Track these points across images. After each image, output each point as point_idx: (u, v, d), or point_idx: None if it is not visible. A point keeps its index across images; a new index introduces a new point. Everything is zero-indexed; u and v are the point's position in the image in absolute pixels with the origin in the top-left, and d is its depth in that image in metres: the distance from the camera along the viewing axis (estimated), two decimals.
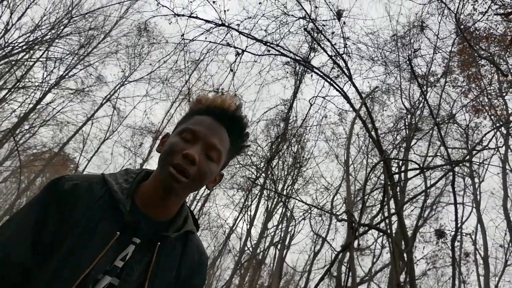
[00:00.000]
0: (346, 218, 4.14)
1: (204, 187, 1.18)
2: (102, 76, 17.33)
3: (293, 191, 12.77)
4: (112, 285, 1.00)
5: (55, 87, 15.83)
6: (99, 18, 16.24)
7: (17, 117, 15.39)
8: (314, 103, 5.98)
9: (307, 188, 14.88)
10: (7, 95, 16.29)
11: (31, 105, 15.06)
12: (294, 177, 11.89)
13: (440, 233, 12.80)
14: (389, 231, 3.67)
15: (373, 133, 5.56)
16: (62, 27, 15.44)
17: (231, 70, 7.67)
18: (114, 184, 1.10)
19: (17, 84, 15.15)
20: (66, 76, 15.90)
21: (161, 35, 15.94)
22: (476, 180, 12.30)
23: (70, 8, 15.86)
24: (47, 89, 15.37)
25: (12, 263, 0.96)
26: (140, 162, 16.10)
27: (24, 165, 16.07)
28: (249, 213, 13.81)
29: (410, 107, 10.18)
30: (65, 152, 18.89)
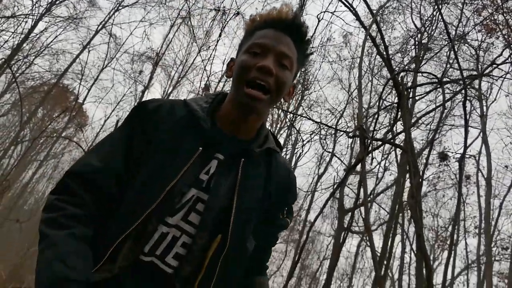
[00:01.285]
0: (357, 134, 4.00)
1: (284, 98, 1.19)
2: (94, 0, 16.52)
3: (298, 113, 12.66)
4: (200, 198, 1.07)
5: (46, 15, 15.15)
6: None
7: (10, 48, 14.88)
8: (322, 18, 5.58)
9: (312, 112, 14.78)
10: None
11: (23, 35, 14.49)
12: (299, 100, 11.72)
13: (443, 156, 12.87)
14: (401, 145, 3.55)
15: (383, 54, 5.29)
16: None
17: None
18: (194, 104, 1.15)
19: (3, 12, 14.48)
20: (57, 2, 15.15)
21: None
22: (484, 102, 12.12)
23: None
24: (38, 17, 14.72)
25: (110, 173, 1.06)
26: (141, 89, 15.85)
27: (24, 97, 15.84)
28: None
29: (421, 26, 9.75)
30: (63, 83, 18.58)
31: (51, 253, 0.93)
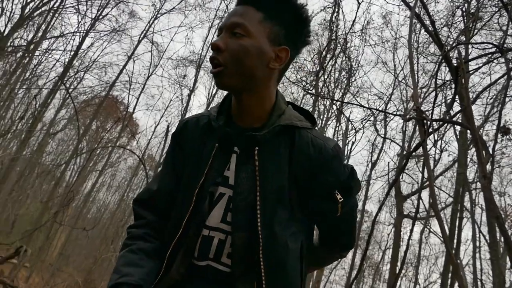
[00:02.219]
0: (414, 116, 3.82)
1: (271, 68, 1.10)
2: (134, 11, 17.02)
3: (344, 101, 12.39)
4: (230, 197, 1.10)
5: (92, 31, 15.79)
6: None
7: (62, 66, 15.64)
8: (362, 1, 5.41)
9: (359, 99, 14.44)
10: (50, 46, 16.50)
11: (72, 53, 15.17)
12: (345, 88, 11.49)
13: (505, 130, 12.17)
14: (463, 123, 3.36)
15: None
16: None
17: None
18: (212, 109, 1.20)
19: (48, 30, 15.18)
20: (100, 17, 15.73)
21: None
22: None
23: None
24: (84, 33, 15.37)
25: (162, 193, 1.19)
26: (187, 93, 16.14)
27: (78, 111, 16.59)
28: None
29: None
30: (113, 95, 19.29)
31: (113, 269, 1.07)
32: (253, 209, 1.06)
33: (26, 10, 14.35)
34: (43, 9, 15.07)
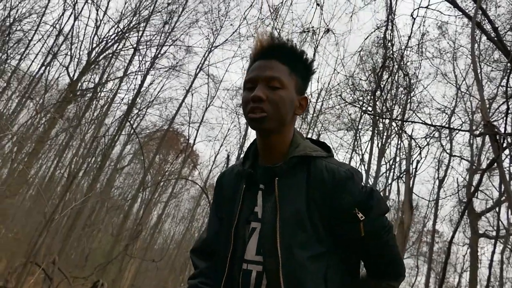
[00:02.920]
0: (485, 131, 3.63)
1: (296, 115, 1.29)
2: (190, 47, 17.77)
3: (404, 119, 11.99)
4: (256, 228, 1.23)
5: (152, 69, 16.63)
6: None
7: (126, 104, 16.54)
8: (417, 16, 5.31)
9: (420, 114, 13.92)
10: (114, 86, 17.58)
11: (135, 91, 16.03)
12: (404, 104, 11.13)
13: None
14: None
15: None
16: (143, 10, 15.99)
17: (318, 4, 7.16)
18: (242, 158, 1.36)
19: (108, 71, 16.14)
20: (159, 56, 16.56)
21: None
22: None
23: None
24: (145, 72, 16.22)
25: (210, 240, 1.36)
26: (245, 122, 16.41)
27: (143, 146, 17.37)
28: (360, 151, 13.42)
29: None
30: (174, 128, 20.03)
31: None
32: (275, 234, 1.17)
33: (92, 55, 15.47)
34: (106, 52, 16.18)
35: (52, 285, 6.16)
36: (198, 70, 16.89)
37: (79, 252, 17.13)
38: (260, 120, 1.20)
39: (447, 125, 12.41)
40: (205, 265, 1.35)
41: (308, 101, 1.33)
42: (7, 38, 14.74)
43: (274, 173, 1.23)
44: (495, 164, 3.64)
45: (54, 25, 14.94)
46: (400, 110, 12.55)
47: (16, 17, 15.27)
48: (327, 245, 1.19)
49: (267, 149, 1.28)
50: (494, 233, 11.09)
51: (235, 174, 1.35)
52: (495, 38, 4.87)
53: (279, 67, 1.24)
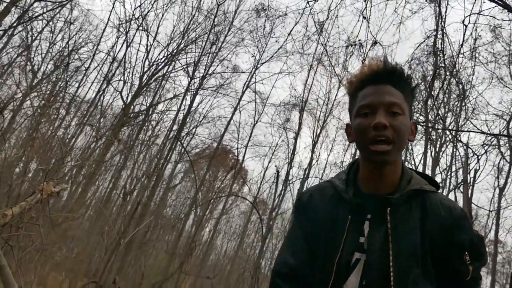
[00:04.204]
0: None
1: (408, 141, 1.24)
2: (237, 66, 18.13)
3: (458, 126, 11.54)
4: (360, 260, 1.16)
5: (200, 89, 17.09)
6: (219, 13, 16.90)
7: (177, 124, 17.05)
8: (469, 22, 5.15)
9: (476, 121, 13.35)
10: (165, 108, 18.20)
11: (185, 111, 16.50)
12: (458, 112, 10.74)
13: None
14: None
15: None
16: (190, 33, 16.53)
17: (364, 17, 7.11)
18: (336, 180, 1.30)
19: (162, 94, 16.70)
20: (207, 76, 17.00)
21: (279, 8, 15.92)
22: None
23: (194, 12, 16.87)
24: (194, 92, 16.69)
25: (303, 267, 1.26)
26: (293, 136, 16.43)
27: (193, 164, 17.76)
28: (413, 161, 13.00)
29: None
30: (223, 145, 20.35)
31: None
32: (386, 267, 1.11)
33: (143, 79, 16.14)
34: (157, 75, 16.83)
35: None
36: (245, 88, 17.20)
37: (136, 270, 17.62)
38: (385, 153, 1.14)
39: (505, 131, 11.81)
40: None
41: (417, 125, 1.30)
42: (66, 67, 15.70)
43: (386, 203, 1.18)
44: None
45: (109, 53, 15.79)
46: (453, 117, 12.11)
47: (74, 47, 16.29)
48: (434, 285, 1.15)
49: (378, 178, 1.22)
50: None
51: (329, 198, 1.28)
52: None
53: (395, 92, 1.20)
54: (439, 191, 1.26)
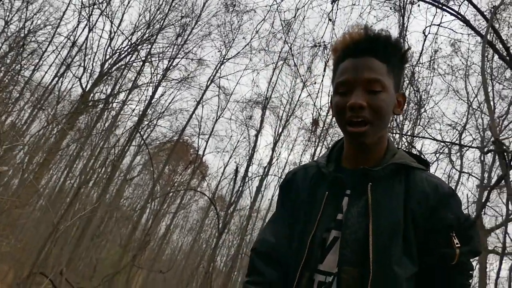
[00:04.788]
0: (493, 149, 3.62)
1: (394, 115, 1.16)
2: (202, 59, 17.95)
3: (414, 134, 11.93)
4: (338, 238, 1.08)
5: (163, 80, 16.82)
6: (188, 4, 16.69)
7: (137, 115, 16.71)
8: (429, 33, 5.33)
9: (430, 130, 13.85)
10: (126, 97, 17.78)
11: (146, 102, 16.19)
12: (415, 120, 11.09)
13: None
14: None
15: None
16: (156, 23, 16.24)
17: (330, 20, 7.21)
18: (320, 158, 1.24)
19: (122, 83, 16.36)
20: (171, 68, 16.75)
21: (248, 5, 15.90)
22: None
23: (161, 2, 16.57)
24: (156, 83, 16.40)
25: (282, 245, 1.19)
26: (254, 134, 16.48)
27: (152, 157, 17.48)
28: None
29: None
30: (184, 139, 20.14)
31: None
32: (365, 244, 1.03)
33: (105, 67, 15.70)
34: (119, 64, 16.41)
35: None
36: (209, 82, 17.04)
37: (88, 263, 17.18)
38: (362, 134, 1.08)
39: (457, 142, 12.32)
40: (274, 274, 1.17)
41: (405, 97, 1.19)
42: (21, 49, 15.02)
43: (367, 177, 1.10)
44: (503, 181, 3.61)
45: (69, 37, 15.23)
46: (410, 125, 12.50)
47: (31, 28, 15.61)
48: (417, 267, 1.06)
49: (360, 155, 1.15)
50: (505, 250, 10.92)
51: (311, 176, 1.22)
52: (507, 57, 4.86)
53: (377, 66, 1.09)
54: (428, 170, 1.18)
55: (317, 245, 1.09)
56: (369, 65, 1.09)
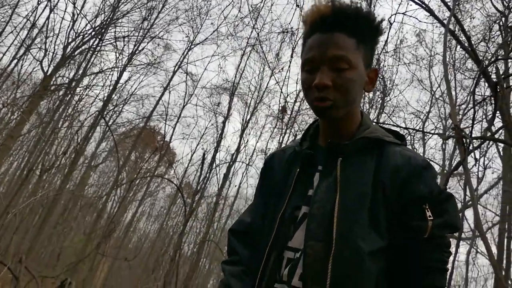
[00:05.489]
0: (453, 135, 3.73)
1: (365, 92, 1.15)
2: (169, 44, 17.63)
3: (379, 122, 12.20)
4: (307, 214, 1.08)
5: (129, 65, 16.42)
6: None
7: (101, 100, 16.29)
8: (394, 21, 5.40)
9: (395, 118, 14.18)
10: (90, 82, 17.28)
11: (111, 87, 15.79)
12: (379, 108, 11.32)
13: None
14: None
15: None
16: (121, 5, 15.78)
17: (297, 6, 7.19)
18: (299, 138, 1.25)
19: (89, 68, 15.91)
20: (137, 52, 16.36)
21: None
22: None
23: None
24: (122, 68, 16.00)
25: (256, 224, 1.21)
26: (222, 120, 16.38)
27: (118, 143, 17.12)
28: None
29: (504, 9, 8.99)
30: (150, 126, 19.81)
31: None
32: (331, 219, 1.01)
33: (68, 50, 15.16)
34: (83, 47, 15.89)
35: (19, 285, 6.00)
36: (176, 68, 16.76)
37: (50, 251, 16.77)
38: (326, 110, 1.06)
39: (420, 129, 12.65)
40: (247, 252, 1.20)
41: (378, 73, 1.16)
42: None
43: (337, 152, 1.09)
44: (462, 167, 3.73)
45: (28, 17, 14.58)
46: (375, 113, 12.73)
47: None
48: (385, 241, 1.02)
49: (332, 130, 1.14)
50: (463, 235, 11.36)
51: (288, 156, 1.23)
52: (469, 48, 4.99)
53: (344, 41, 1.06)
54: (404, 145, 1.15)
55: (287, 222, 1.09)
56: (335, 41, 1.06)
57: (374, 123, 1.20)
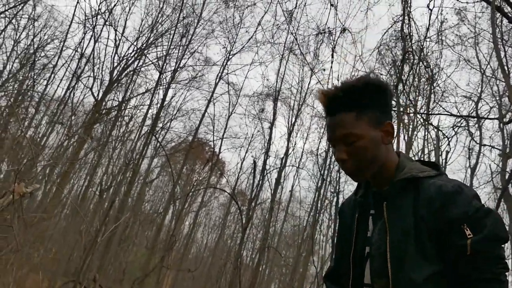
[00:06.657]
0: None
1: (385, 144, 1.27)
2: (208, 58, 18.02)
3: (429, 110, 11.82)
4: (369, 253, 1.27)
5: (172, 82, 16.93)
6: (188, 4, 16.70)
7: (150, 118, 16.86)
8: (434, 7, 5.27)
9: (445, 104, 13.68)
10: (137, 103, 17.97)
11: (158, 105, 16.33)
12: (428, 96, 10.99)
13: None
14: None
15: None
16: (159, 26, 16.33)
17: (332, 5, 7.17)
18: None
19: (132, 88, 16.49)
20: (178, 69, 16.84)
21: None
22: None
23: (161, 5, 16.65)
24: (166, 86, 16.52)
25: (340, 268, 1.41)
26: (268, 126, 16.50)
27: (170, 158, 17.64)
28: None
29: None
30: (198, 138, 20.27)
31: None
32: (385, 256, 1.19)
33: (114, 74, 15.87)
34: (127, 70, 16.57)
35: None
36: (217, 80, 17.09)
37: (117, 267, 17.47)
38: (353, 176, 1.28)
39: (474, 112, 12.14)
40: None
41: (391, 123, 1.29)
42: (32, 65, 15.26)
43: (382, 197, 1.27)
44: None
45: (76, 49, 15.42)
46: (424, 101, 12.36)
47: (39, 44, 15.85)
48: (437, 266, 1.14)
49: (373, 181, 1.32)
50: None
51: (352, 203, 1.42)
52: None
53: (346, 119, 1.22)
54: (442, 175, 1.25)
55: (357, 262, 1.30)
56: (338, 122, 1.24)
57: (415, 161, 1.33)
